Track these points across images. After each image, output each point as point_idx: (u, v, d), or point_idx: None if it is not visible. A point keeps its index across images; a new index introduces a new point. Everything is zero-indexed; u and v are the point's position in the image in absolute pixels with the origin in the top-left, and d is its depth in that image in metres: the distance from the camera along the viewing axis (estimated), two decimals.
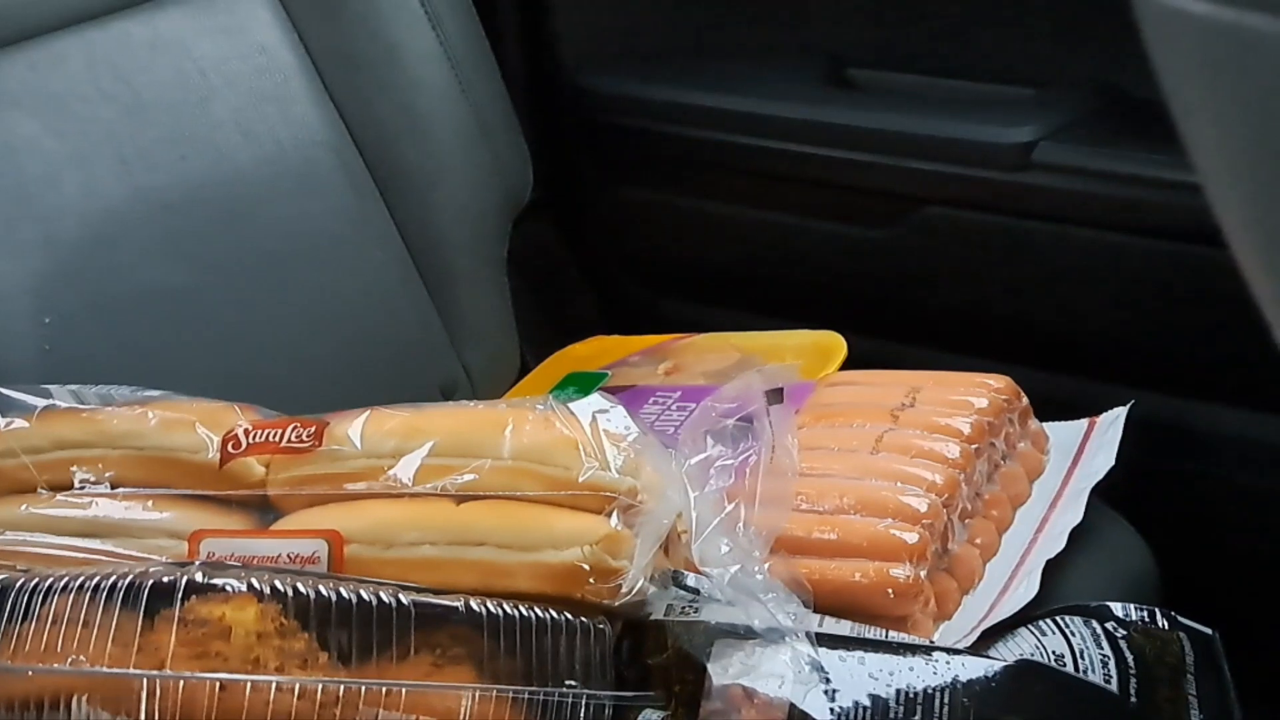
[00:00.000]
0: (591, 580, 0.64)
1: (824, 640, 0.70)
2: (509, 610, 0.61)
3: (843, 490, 0.83)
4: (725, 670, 0.68)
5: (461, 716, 0.58)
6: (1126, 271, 1.00)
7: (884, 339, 1.06)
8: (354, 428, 0.66)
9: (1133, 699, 0.69)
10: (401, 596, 0.59)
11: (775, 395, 0.73)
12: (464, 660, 0.60)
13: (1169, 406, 0.99)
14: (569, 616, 0.64)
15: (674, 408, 0.98)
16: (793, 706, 0.66)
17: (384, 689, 0.55)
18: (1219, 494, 0.98)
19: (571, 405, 0.68)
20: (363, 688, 0.56)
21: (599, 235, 1.20)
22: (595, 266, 1.21)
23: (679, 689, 0.69)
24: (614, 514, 0.66)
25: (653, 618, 0.71)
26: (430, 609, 0.59)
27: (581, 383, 1.04)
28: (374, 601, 0.58)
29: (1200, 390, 0.99)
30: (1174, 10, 0.28)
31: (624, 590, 0.66)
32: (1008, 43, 1.05)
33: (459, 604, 0.60)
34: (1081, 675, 0.69)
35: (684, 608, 0.72)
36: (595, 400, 0.68)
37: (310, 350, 0.96)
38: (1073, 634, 0.72)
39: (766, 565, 0.75)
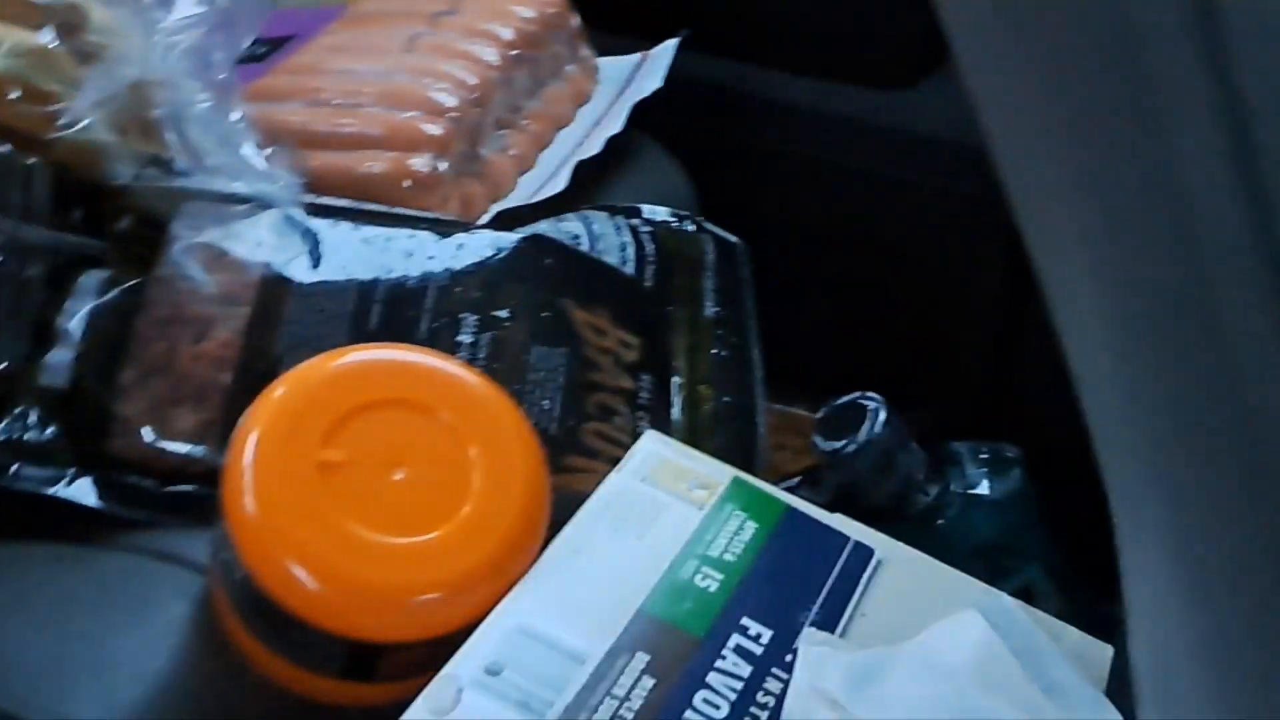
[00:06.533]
0: (17, 96, 0.53)
1: (316, 210, 0.62)
2: None
3: (366, 85, 0.75)
4: (194, 231, 0.59)
5: None
6: None
7: None
8: None
9: (648, 283, 0.65)
10: None
11: None
12: None
13: (726, 70, 0.96)
14: None
15: None
16: (268, 268, 0.58)
17: None
18: (767, 154, 0.97)
19: None
20: None
21: None
22: None
23: (139, 251, 0.59)
24: (49, 30, 0.54)
25: (118, 183, 0.61)
26: None
27: None
28: None
29: (757, 55, 0.97)
30: None
31: (61, 122, 0.54)
32: None
33: None
34: (596, 256, 0.65)
35: (157, 175, 0.62)
36: None
37: None
38: (593, 224, 0.67)
39: (267, 152, 0.66)
